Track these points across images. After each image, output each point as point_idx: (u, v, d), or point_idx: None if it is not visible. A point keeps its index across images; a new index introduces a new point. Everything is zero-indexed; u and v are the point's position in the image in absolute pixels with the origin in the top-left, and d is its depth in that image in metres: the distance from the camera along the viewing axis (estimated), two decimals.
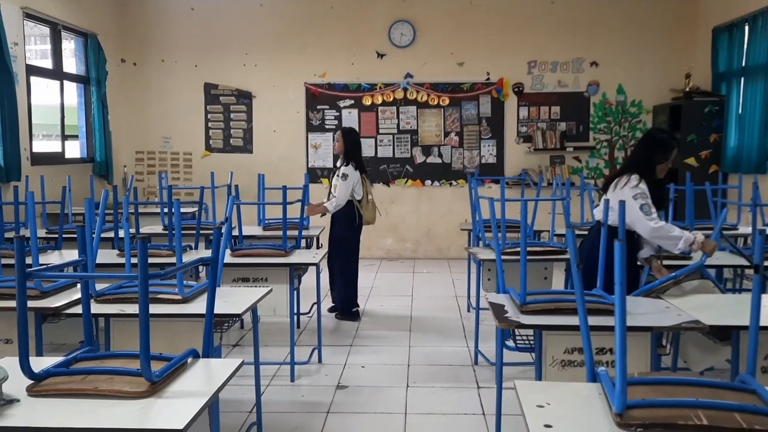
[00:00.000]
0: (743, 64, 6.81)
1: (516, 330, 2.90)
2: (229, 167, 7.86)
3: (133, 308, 2.69)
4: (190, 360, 2.06)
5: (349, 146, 5.23)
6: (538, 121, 8.07)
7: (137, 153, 8.27)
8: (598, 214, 3.53)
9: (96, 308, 2.74)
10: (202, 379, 1.96)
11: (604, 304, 2.63)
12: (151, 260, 4.04)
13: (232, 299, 2.91)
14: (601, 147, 8.06)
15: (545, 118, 8.08)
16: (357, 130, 7.23)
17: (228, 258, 3.93)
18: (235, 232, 4.40)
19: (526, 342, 2.96)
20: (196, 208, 5.90)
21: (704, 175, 6.78)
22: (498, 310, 2.68)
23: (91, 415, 1.67)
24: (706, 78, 7.42)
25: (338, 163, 5.33)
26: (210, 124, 8.22)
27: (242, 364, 2.07)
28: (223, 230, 3.20)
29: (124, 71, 8.12)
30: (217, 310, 2.69)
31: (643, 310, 2.67)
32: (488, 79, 8.05)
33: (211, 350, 2.50)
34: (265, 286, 3.89)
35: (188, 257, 3.95)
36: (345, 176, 5.11)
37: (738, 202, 5.00)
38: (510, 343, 3.04)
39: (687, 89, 7.35)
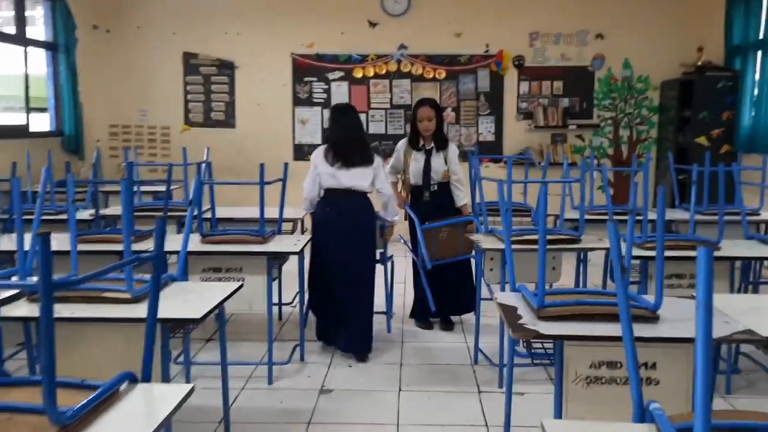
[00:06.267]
0: (760, 37, 6.35)
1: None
2: (209, 142, 7.30)
3: (78, 309, 2.24)
4: (124, 386, 1.61)
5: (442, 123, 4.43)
6: (540, 97, 7.59)
7: (111, 126, 7.73)
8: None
9: (29, 309, 2.29)
10: (137, 415, 1.51)
11: (637, 308, 2.19)
12: (111, 247, 3.61)
13: (192, 297, 2.46)
14: (605, 125, 7.60)
15: (547, 93, 7.60)
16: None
17: (197, 245, 3.47)
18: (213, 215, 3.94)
19: (542, 348, 2.53)
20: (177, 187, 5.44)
21: (716, 155, 6.35)
22: (510, 314, 2.24)
23: None
24: (718, 52, 6.96)
25: (426, 144, 4.36)
26: (189, 97, 7.69)
27: (192, 391, 1.62)
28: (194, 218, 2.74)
29: (97, 38, 7.55)
30: (171, 314, 2.25)
31: (682, 315, 2.24)
32: (487, 51, 7.55)
33: (164, 367, 2.07)
34: (239, 277, 3.45)
35: (150, 244, 3.49)
36: (460, 155, 4.50)
37: (762, 184, 4.57)
38: (521, 348, 2.61)
39: (699, 63, 6.89)
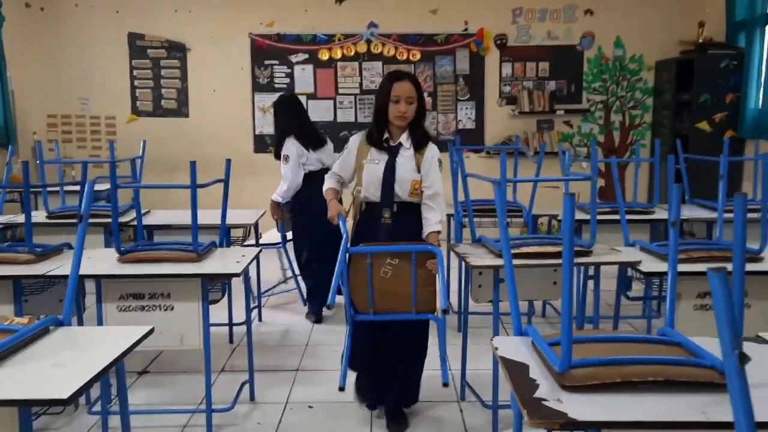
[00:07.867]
0: None
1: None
2: (160, 134, 6.64)
3: None
4: None
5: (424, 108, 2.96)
6: (524, 80, 6.94)
7: (50, 117, 6.90)
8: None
9: None
10: None
11: (700, 367, 1.53)
12: (5, 271, 2.89)
13: (73, 356, 1.76)
14: (595, 110, 6.97)
15: (532, 76, 6.95)
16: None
17: (112, 265, 2.75)
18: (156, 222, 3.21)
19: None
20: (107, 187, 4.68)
21: (719, 141, 5.74)
22: (521, 382, 1.56)
23: None
24: (719, 28, 6.35)
25: (393, 139, 2.87)
26: (136, 83, 6.89)
27: None
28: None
29: (30, 17, 6.71)
30: (26, 389, 1.54)
31: (756, 374, 1.59)
32: (466, 29, 6.86)
33: None
34: (167, 304, 2.74)
35: (58, 264, 2.75)
36: (440, 162, 2.90)
37: None
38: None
39: (699, 41, 6.27)
